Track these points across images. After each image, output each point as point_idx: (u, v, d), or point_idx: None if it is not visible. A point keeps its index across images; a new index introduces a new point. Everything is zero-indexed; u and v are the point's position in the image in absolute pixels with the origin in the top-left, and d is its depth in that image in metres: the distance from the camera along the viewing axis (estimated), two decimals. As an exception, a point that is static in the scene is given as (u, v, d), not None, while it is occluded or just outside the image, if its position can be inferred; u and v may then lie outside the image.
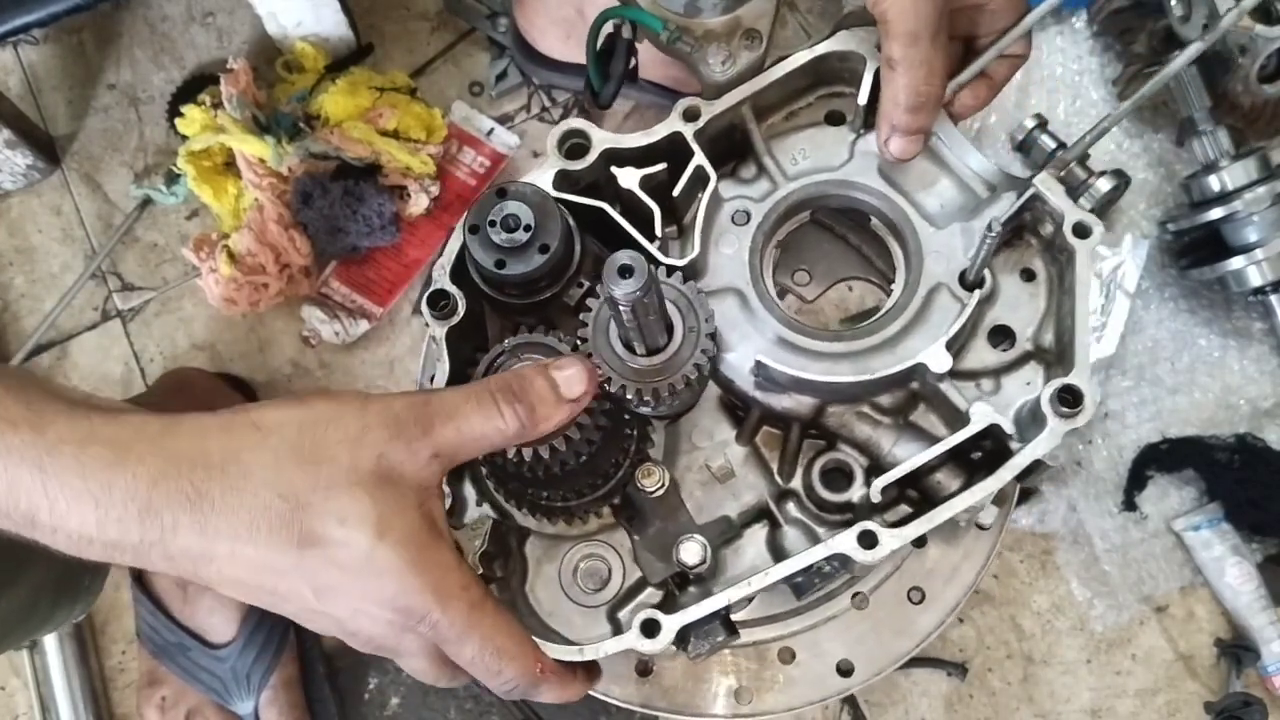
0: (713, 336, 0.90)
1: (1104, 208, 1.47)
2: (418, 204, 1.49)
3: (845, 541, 0.91)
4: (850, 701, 1.43)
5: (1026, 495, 1.45)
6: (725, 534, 1.03)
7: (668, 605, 0.95)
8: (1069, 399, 0.91)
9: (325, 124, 1.46)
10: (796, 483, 1.04)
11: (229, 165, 1.48)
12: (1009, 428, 0.95)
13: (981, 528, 1.12)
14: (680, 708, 1.10)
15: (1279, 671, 1.40)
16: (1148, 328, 1.48)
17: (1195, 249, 1.45)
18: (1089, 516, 1.46)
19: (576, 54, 1.47)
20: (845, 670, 1.10)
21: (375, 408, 0.76)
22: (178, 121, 1.48)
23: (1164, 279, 1.50)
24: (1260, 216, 1.35)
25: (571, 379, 0.80)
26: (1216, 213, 1.37)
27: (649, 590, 1.01)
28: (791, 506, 1.03)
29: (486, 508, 0.99)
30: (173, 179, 1.54)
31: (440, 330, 0.95)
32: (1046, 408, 0.91)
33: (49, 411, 0.71)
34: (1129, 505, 1.46)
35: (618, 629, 0.99)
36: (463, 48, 1.62)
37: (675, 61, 1.13)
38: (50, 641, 1.43)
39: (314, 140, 1.43)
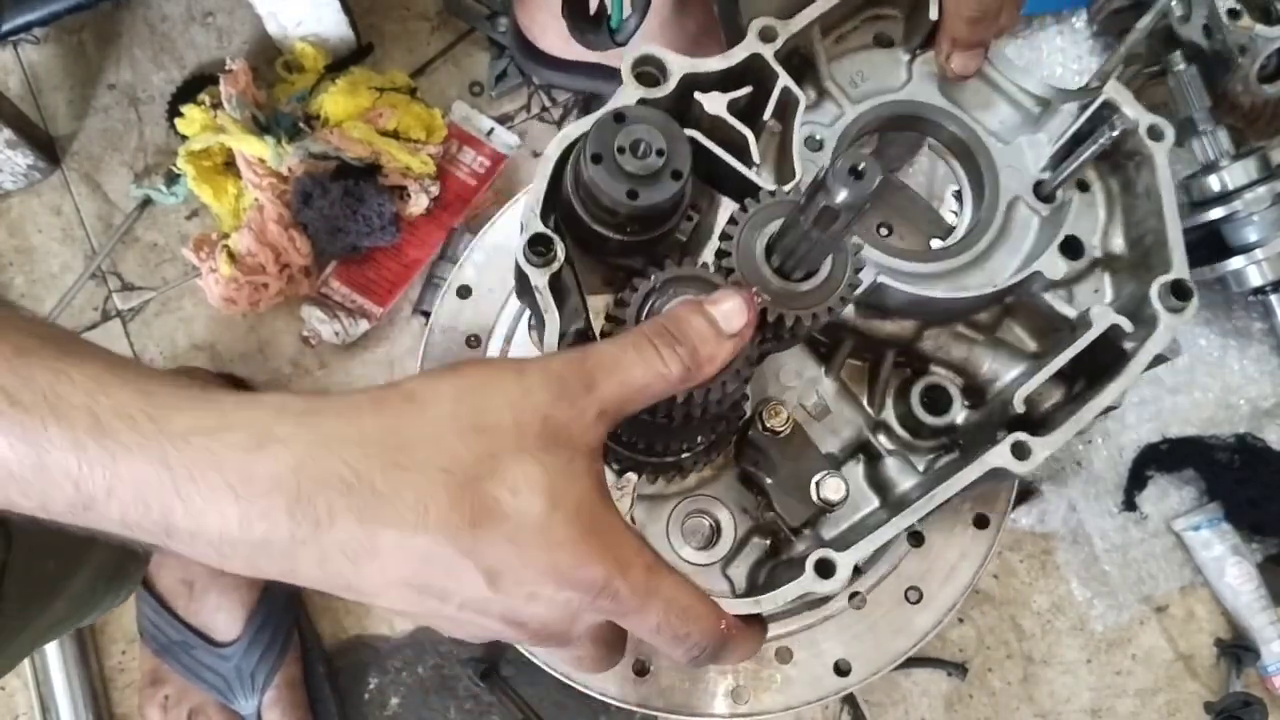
0: (858, 253, 0.83)
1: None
2: (418, 204, 1.50)
3: (999, 456, 0.90)
4: (850, 701, 1.43)
5: (1026, 495, 1.45)
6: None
7: (780, 554, 0.96)
8: (1178, 293, 0.93)
9: (325, 124, 1.46)
10: (887, 412, 1.05)
11: (229, 165, 1.48)
12: (1127, 326, 0.95)
13: (981, 526, 1.13)
14: (677, 707, 1.10)
15: (1279, 671, 1.40)
16: (1148, 327, 1.48)
17: (1195, 249, 1.44)
18: (1089, 516, 1.46)
19: (577, 51, 1.47)
20: (843, 670, 1.10)
21: (533, 368, 0.69)
22: (177, 121, 1.48)
23: (1164, 279, 1.50)
24: (1260, 216, 1.35)
25: (730, 312, 0.73)
26: (1216, 212, 1.37)
27: (753, 543, 1.00)
28: (883, 438, 1.04)
29: (617, 470, 0.94)
30: (173, 179, 1.54)
31: (543, 279, 0.87)
32: (1156, 304, 0.93)
33: (171, 399, 0.63)
34: (1129, 505, 1.46)
35: (730, 585, 0.99)
36: (463, 48, 1.62)
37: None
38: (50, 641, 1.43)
39: (314, 140, 1.43)
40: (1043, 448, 0.90)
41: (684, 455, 0.94)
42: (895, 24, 1.05)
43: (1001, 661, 1.45)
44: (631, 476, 0.89)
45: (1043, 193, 1.02)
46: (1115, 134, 0.95)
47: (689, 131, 0.90)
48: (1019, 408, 0.95)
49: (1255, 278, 1.36)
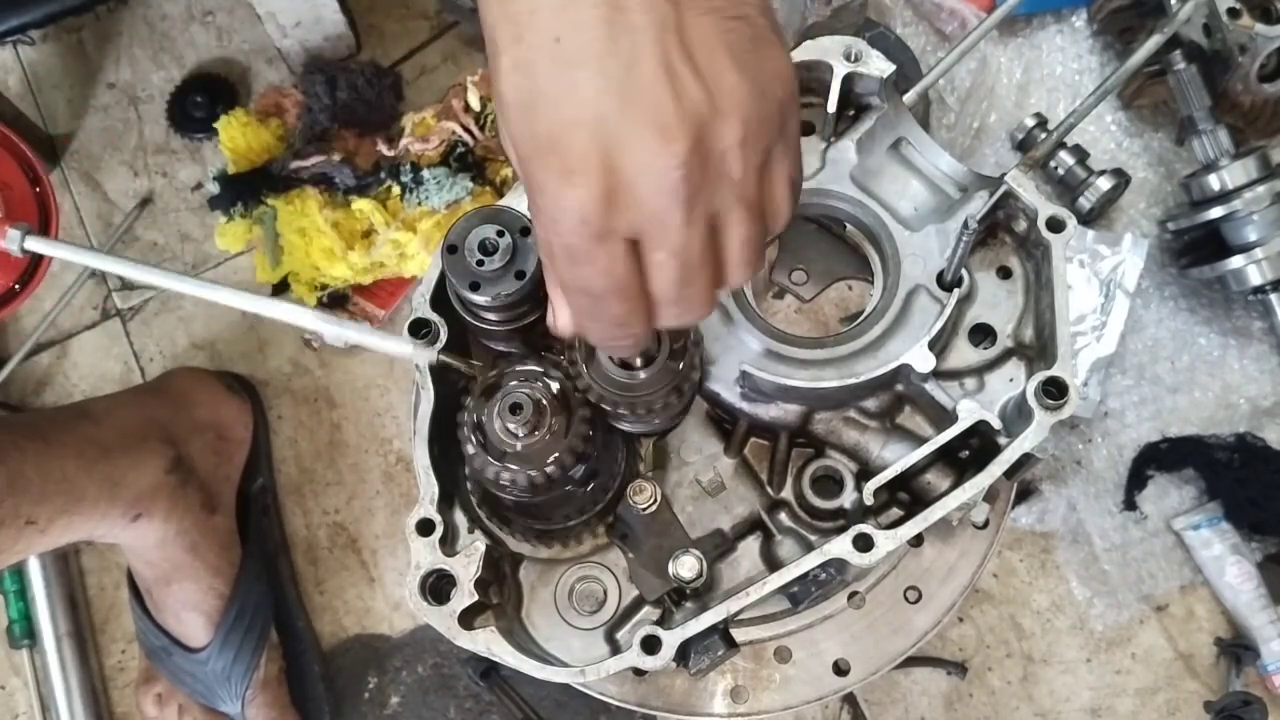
0: (699, 353, 0.90)
1: (1104, 206, 1.48)
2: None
3: (840, 546, 0.91)
4: (850, 700, 1.43)
5: (1026, 494, 1.45)
6: (719, 547, 1.04)
7: (665, 622, 0.95)
8: (1053, 391, 0.92)
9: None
10: (787, 492, 1.05)
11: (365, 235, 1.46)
12: (996, 423, 0.95)
13: (977, 526, 1.13)
14: (677, 707, 1.10)
15: (1279, 670, 1.40)
16: (1148, 327, 1.48)
17: (1195, 248, 1.45)
18: (1089, 515, 1.46)
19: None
20: (842, 669, 1.10)
21: None
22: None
23: (1164, 278, 1.49)
24: (1260, 215, 1.35)
25: None
26: (1216, 212, 1.36)
27: (646, 609, 1.02)
28: (784, 516, 1.04)
29: (479, 535, 0.98)
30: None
31: (423, 359, 0.94)
32: (1032, 401, 0.92)
33: None
34: (1129, 504, 1.45)
35: (616, 649, 1.00)
36: (462, 47, 1.62)
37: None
38: (50, 641, 1.44)
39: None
40: (885, 543, 0.91)
41: (566, 525, 0.98)
42: (818, 111, 1.05)
43: (1001, 660, 1.45)
44: (481, 546, 0.93)
45: (943, 281, 1.01)
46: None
47: None
48: (868, 500, 0.95)
49: (1255, 277, 1.36)
